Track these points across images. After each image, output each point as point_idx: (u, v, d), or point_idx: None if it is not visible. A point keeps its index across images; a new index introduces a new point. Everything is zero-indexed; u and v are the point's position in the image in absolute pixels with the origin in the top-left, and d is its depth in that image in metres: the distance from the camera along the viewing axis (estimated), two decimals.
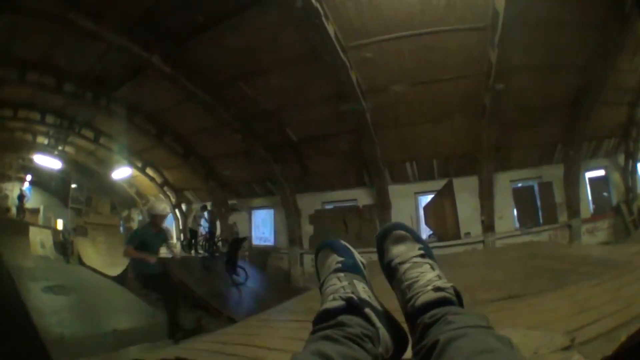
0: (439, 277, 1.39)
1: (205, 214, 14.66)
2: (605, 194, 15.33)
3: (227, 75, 11.15)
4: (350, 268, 1.53)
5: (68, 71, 11.60)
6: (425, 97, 10.74)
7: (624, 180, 15.16)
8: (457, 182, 12.84)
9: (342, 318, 1.25)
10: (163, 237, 7.42)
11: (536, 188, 14.06)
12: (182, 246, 14.95)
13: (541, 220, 13.83)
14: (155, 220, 7.12)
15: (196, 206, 15.38)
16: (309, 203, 13.49)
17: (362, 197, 13.20)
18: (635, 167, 14.97)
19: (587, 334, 2.01)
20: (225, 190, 14.97)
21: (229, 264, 11.88)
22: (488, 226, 12.73)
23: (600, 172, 15.39)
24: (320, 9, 8.87)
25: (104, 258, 15.47)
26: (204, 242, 14.38)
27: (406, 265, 1.45)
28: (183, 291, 8.82)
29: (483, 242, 12.70)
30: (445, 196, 12.79)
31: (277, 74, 10.70)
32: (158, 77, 11.16)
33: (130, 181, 17.38)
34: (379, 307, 1.41)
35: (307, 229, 13.28)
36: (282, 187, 13.28)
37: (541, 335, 1.94)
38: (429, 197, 13.18)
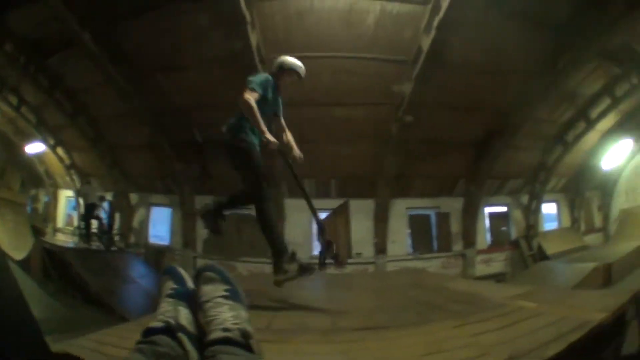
0: (234, 318, 1.56)
1: (105, 204, 14.19)
2: (504, 228, 16.20)
3: (147, 65, 11.05)
4: (180, 295, 1.73)
5: (12, 31, 11.23)
6: (335, 118, 11.06)
7: (526, 218, 16.13)
8: (354, 203, 13.09)
9: (156, 337, 1.45)
10: (279, 106, 5.23)
11: (433, 217, 14.51)
12: (81, 236, 14.37)
13: (435, 248, 14.38)
14: (284, 77, 5.05)
15: (97, 194, 14.73)
16: None
17: None
18: (539, 207, 16.03)
19: None
20: (128, 181, 14.54)
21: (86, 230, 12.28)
22: (380, 249, 13.22)
23: (502, 208, 16.25)
24: (248, 16, 9.04)
25: (9, 239, 14.86)
26: (100, 234, 13.88)
27: (209, 304, 1.64)
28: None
29: (374, 263, 13.14)
30: (340, 215, 13.02)
31: (195, 73, 10.74)
32: (84, 55, 10.91)
33: (41, 158, 16.63)
34: (194, 333, 1.58)
35: (202, 233, 13.02)
36: (182, 186, 13.15)
37: None
38: (324, 215, 13.05)
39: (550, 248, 16.47)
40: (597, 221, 21.77)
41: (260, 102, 4.51)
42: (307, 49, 9.74)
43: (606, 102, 14.61)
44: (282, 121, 5.30)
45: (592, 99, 14.52)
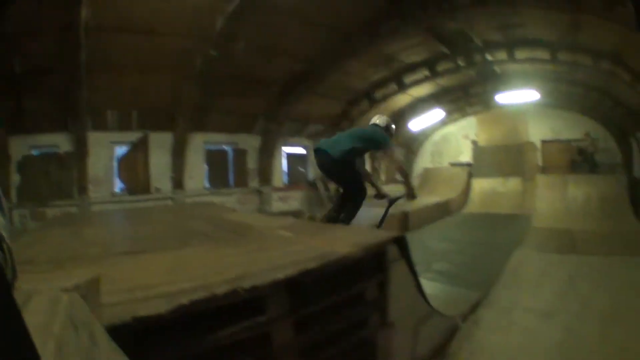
0: None
1: None
2: (302, 169, 17.75)
3: None
4: None
5: None
6: (144, 47, 10.74)
7: None
8: (154, 137, 13.20)
9: None
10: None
11: (231, 153, 15.35)
12: None
13: (232, 183, 15.01)
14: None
15: None
16: (20, 147, 11.99)
17: (64, 143, 12.30)
18: None
19: (155, 291, 2.28)
20: None
21: None
22: (178, 183, 13.42)
23: (301, 150, 17.69)
24: None
25: None
26: None
27: None
28: None
29: (172, 198, 13.32)
30: (139, 149, 13.13)
31: None
32: None
33: None
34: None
35: (15, 179, 11.86)
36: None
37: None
38: (125, 148, 13.25)
39: None
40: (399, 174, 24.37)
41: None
42: None
43: (424, 73, 16.14)
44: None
45: (410, 67, 15.84)
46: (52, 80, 10.83)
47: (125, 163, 13.16)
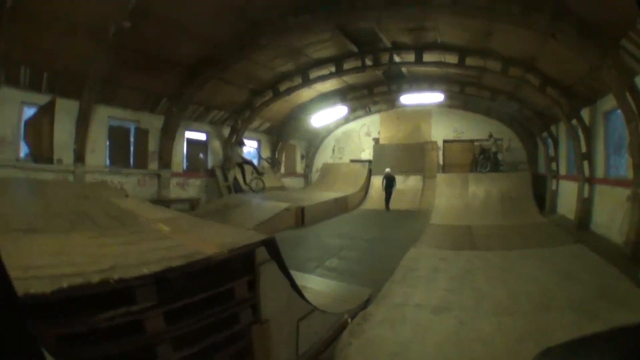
0: None
1: None
2: (202, 155, 19.04)
3: None
4: None
5: None
6: (64, 3, 10.64)
7: (225, 150, 19.34)
8: (61, 103, 13.23)
9: None
10: None
11: (133, 131, 16.10)
12: None
13: (132, 164, 16.03)
14: None
15: None
16: None
17: None
18: (241, 142, 19.51)
19: (42, 272, 2.55)
20: None
21: None
22: (79, 156, 13.62)
23: (201, 136, 18.92)
24: None
25: None
26: None
27: None
28: None
29: (73, 172, 13.57)
30: (46, 114, 13.18)
31: None
32: None
33: None
34: None
35: None
36: None
37: None
38: (33, 110, 13.21)
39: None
40: (299, 168, 27.43)
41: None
42: None
43: (330, 69, 17.87)
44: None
45: (317, 62, 17.46)
46: None
47: (32, 127, 13.18)
